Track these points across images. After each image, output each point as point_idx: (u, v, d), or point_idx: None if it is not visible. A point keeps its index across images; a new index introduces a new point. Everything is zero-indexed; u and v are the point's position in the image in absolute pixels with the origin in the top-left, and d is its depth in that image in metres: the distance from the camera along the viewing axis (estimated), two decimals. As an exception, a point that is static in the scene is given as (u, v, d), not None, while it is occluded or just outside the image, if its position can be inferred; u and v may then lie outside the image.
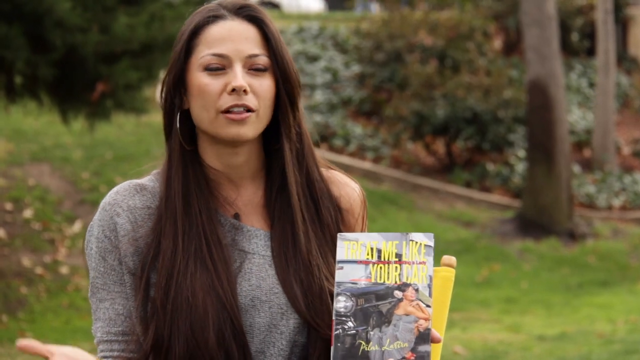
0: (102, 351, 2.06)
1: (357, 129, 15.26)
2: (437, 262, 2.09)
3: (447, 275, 2.09)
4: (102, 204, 2.08)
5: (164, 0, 9.32)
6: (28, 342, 1.88)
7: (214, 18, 2.06)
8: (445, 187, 14.39)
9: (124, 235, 2.04)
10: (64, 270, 9.97)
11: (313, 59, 17.13)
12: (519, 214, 13.40)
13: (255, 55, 2.04)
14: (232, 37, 2.04)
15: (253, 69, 2.04)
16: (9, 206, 11.21)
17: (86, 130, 10.06)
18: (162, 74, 9.61)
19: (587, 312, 10.15)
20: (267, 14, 2.09)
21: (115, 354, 2.05)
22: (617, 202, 14.63)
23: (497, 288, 11.24)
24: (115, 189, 2.09)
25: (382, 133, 15.24)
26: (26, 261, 10.00)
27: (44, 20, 8.36)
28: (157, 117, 14.03)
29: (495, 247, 12.65)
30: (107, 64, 8.77)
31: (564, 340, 8.80)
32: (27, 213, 11.07)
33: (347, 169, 14.00)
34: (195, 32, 2.06)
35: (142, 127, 13.91)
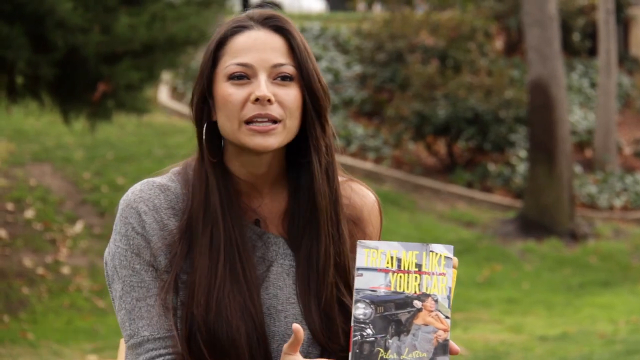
0: (153, 349, 2.01)
1: (359, 129, 15.26)
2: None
3: (449, 276, 2.09)
4: (125, 201, 2.05)
5: (165, 1, 9.32)
6: None
7: (240, 28, 2.04)
8: (447, 187, 14.39)
9: (154, 234, 2.02)
10: (65, 270, 9.97)
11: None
12: (521, 215, 13.39)
13: (281, 65, 2.02)
14: (257, 46, 2.02)
15: (279, 78, 2.02)
16: (10, 206, 11.21)
17: (87, 131, 10.06)
18: (163, 75, 9.62)
19: (588, 313, 10.15)
20: (294, 25, 2.07)
21: (171, 350, 2.01)
22: (618, 203, 14.63)
23: (498, 288, 11.24)
24: (137, 187, 2.06)
25: (384, 133, 15.24)
26: (27, 261, 10.00)
27: (46, 20, 8.36)
28: (158, 118, 14.08)
29: (497, 248, 12.64)
30: (108, 64, 8.77)
31: (565, 340, 8.80)
32: (29, 213, 11.07)
33: (348, 170, 13.98)
34: (221, 43, 2.04)
35: (144, 128, 13.92)
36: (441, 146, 15.17)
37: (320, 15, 22.37)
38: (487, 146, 14.67)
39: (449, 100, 14.58)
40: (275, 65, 2.01)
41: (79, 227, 10.92)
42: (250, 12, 2.08)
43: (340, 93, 16.24)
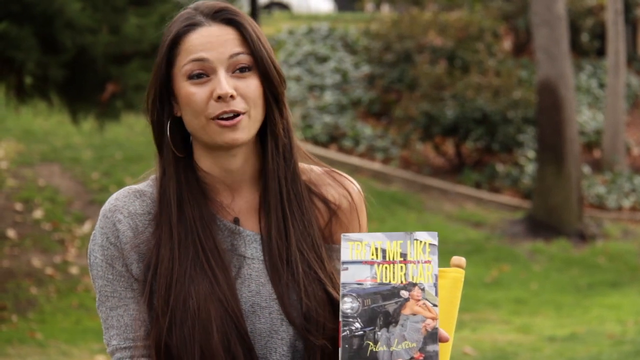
0: (120, 359, 2.03)
1: (367, 129, 15.25)
2: (446, 262, 2.09)
3: (456, 276, 2.08)
4: (102, 211, 2.06)
5: (174, 1, 9.33)
6: None
7: (192, 26, 2.04)
8: (455, 187, 14.39)
9: (126, 242, 2.04)
10: (73, 270, 9.99)
11: (323, 59, 17.13)
12: (529, 215, 13.38)
13: (237, 54, 2.02)
14: (211, 42, 2.02)
15: (237, 70, 2.02)
16: (19, 206, 11.23)
17: (96, 131, 10.08)
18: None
19: (597, 313, 10.13)
20: (245, 14, 2.08)
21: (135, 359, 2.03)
22: (627, 203, 14.61)
23: (506, 289, 11.23)
24: (114, 195, 2.08)
25: (392, 134, 15.24)
26: (36, 261, 10.02)
27: (54, 21, 8.38)
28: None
29: (505, 248, 12.64)
30: (117, 64, 8.78)
31: (573, 341, 8.79)
32: (37, 213, 11.09)
33: (356, 170, 14.03)
34: (175, 42, 2.04)
35: (152, 128, 13.92)
36: (449, 146, 15.16)
37: (328, 15, 22.37)
38: (496, 146, 14.67)
39: (457, 100, 14.58)
40: (232, 56, 2.02)
41: (87, 227, 10.94)
42: (197, 5, 2.08)
43: (348, 93, 16.24)
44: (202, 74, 2.02)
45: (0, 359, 7.87)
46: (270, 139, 2.06)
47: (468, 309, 9.89)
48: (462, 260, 2.09)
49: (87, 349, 8.19)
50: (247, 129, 2.02)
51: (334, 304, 2.02)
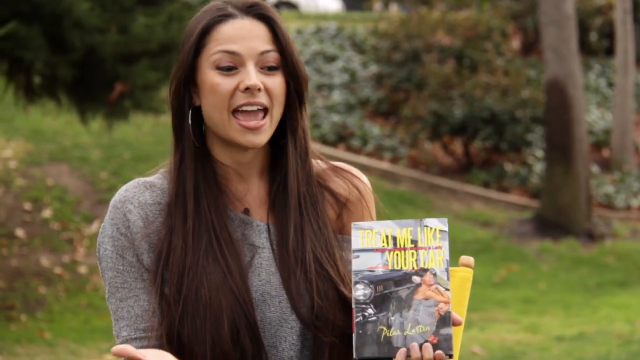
0: None
1: (375, 129, 15.25)
2: (455, 262, 2.09)
3: (465, 275, 2.08)
4: (112, 202, 2.07)
5: (182, 1, 9.34)
6: (122, 347, 1.86)
7: (225, 17, 2.05)
8: (463, 187, 14.38)
9: (137, 232, 2.04)
10: (82, 270, 10.01)
11: (331, 59, 17.13)
12: (537, 214, 13.37)
13: (267, 52, 2.03)
14: (243, 35, 2.04)
15: (265, 67, 2.04)
16: (27, 206, 11.25)
17: (104, 130, 10.09)
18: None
19: (605, 313, 10.12)
20: (276, 12, 2.10)
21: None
22: (635, 203, 14.58)
23: (515, 288, 11.22)
24: (124, 187, 2.10)
25: (400, 133, 15.23)
26: (45, 261, 10.04)
27: (63, 20, 8.39)
28: (175, 117, 13.96)
29: (513, 248, 12.63)
30: (125, 64, 8.79)
31: (582, 340, 8.78)
32: (46, 213, 11.11)
33: (364, 169, 14.02)
34: (206, 31, 2.05)
35: (160, 127, 13.95)
36: (457, 146, 15.15)
37: (336, 15, 22.36)
38: (504, 146, 14.65)
39: (466, 100, 14.57)
40: (262, 53, 2.03)
41: (96, 226, 10.95)
42: None
43: (356, 93, 16.24)
44: (232, 67, 2.03)
45: (9, 358, 7.88)
46: (290, 138, 2.09)
47: (476, 309, 9.89)
48: (470, 259, 2.10)
49: (96, 349, 8.20)
50: (268, 131, 2.04)
51: (345, 303, 2.02)
